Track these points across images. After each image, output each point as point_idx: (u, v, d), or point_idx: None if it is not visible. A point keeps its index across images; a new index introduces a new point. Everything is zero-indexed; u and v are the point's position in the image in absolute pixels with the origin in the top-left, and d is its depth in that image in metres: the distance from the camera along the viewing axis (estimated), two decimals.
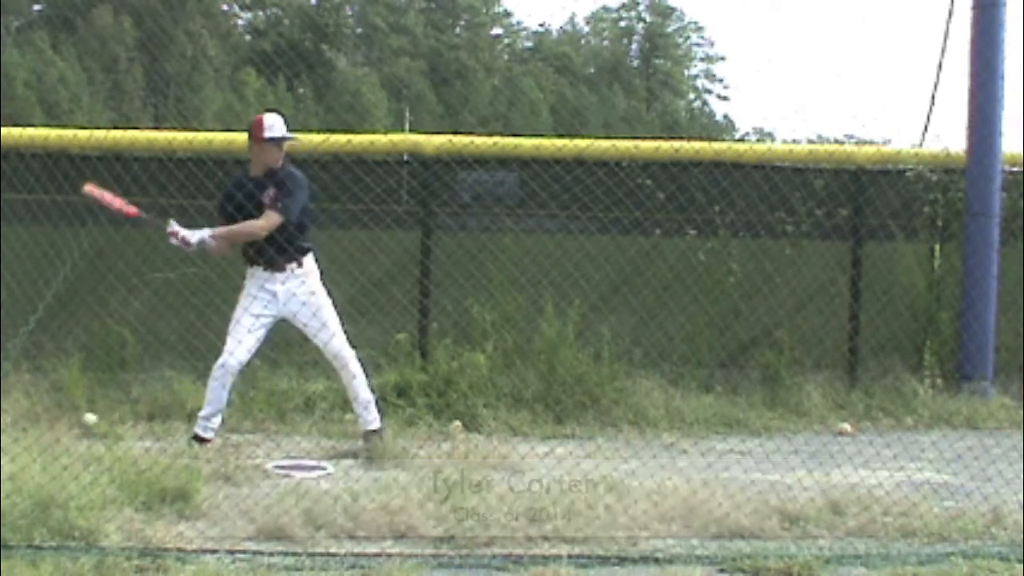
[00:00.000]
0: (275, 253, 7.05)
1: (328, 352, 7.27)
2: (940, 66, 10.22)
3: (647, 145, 9.44)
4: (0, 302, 8.49)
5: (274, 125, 7.19)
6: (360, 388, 7.29)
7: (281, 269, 7.12)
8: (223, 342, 7.16)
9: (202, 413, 7.11)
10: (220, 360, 7.08)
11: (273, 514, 5.46)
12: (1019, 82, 10.16)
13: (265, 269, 7.13)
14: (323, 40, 68.55)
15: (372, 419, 7.31)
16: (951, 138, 9.81)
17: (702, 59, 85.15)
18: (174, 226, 7.06)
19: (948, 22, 9.96)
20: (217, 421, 7.13)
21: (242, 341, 7.08)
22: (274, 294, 7.14)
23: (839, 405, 8.80)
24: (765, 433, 8.20)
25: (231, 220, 7.15)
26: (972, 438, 8.06)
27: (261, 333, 7.16)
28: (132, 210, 7.26)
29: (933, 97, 10.35)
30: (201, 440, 7.04)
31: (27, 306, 8.40)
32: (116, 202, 7.30)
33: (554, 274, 8.90)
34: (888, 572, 5.09)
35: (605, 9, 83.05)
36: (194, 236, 7.02)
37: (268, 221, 7.03)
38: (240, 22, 73.16)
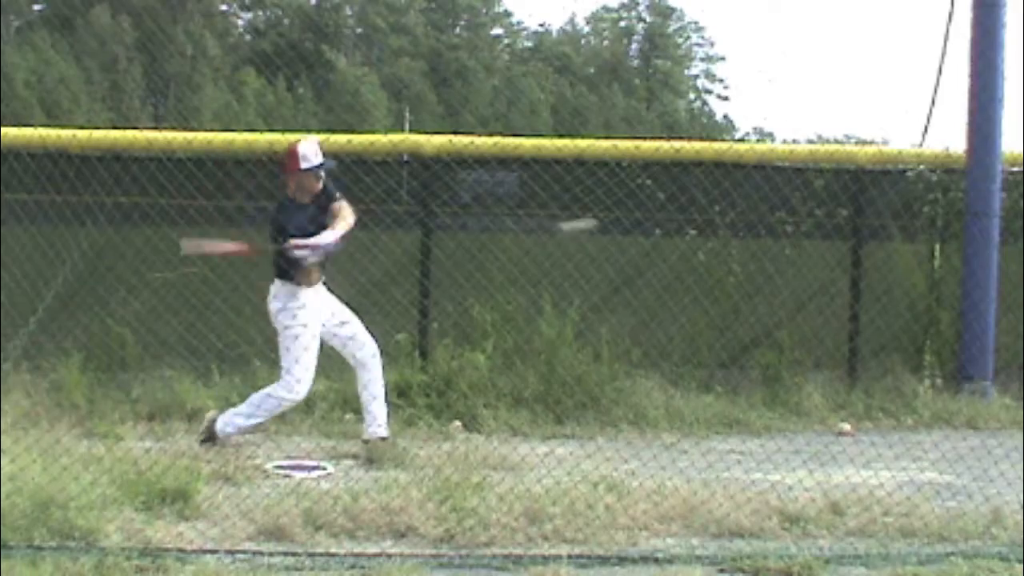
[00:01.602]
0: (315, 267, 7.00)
1: (361, 345, 7.21)
2: (940, 70, 10.22)
3: (648, 145, 9.44)
4: (0, 302, 8.49)
5: (308, 154, 7.03)
6: (376, 390, 7.24)
7: (318, 280, 7.09)
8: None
9: (237, 429, 7.06)
10: (290, 394, 6.99)
11: (273, 514, 5.46)
12: (1019, 82, 10.16)
13: (303, 285, 7.02)
14: (323, 40, 68.54)
15: (379, 428, 7.25)
16: (951, 138, 9.82)
17: (702, 59, 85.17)
18: (296, 242, 6.89)
19: (948, 24, 9.96)
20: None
21: (309, 367, 7.00)
22: (321, 304, 7.08)
23: (839, 405, 8.80)
24: (765, 433, 8.20)
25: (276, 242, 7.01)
26: (973, 438, 8.05)
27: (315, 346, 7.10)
28: (243, 248, 7.19)
29: (933, 100, 10.35)
30: (210, 441, 7.02)
31: (27, 306, 8.40)
32: (223, 247, 7.24)
33: (554, 274, 8.90)
34: (888, 572, 5.09)
35: (605, 9, 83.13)
36: (324, 239, 6.89)
37: (352, 215, 7.01)
38: (240, 22, 73.18)
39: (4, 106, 35.85)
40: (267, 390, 7.10)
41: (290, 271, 6.96)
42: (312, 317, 6.99)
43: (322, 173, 7.09)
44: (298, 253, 6.85)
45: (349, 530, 5.41)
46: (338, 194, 7.12)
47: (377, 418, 7.22)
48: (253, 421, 7.08)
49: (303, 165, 7.02)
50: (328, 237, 6.89)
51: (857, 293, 9.48)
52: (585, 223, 7.10)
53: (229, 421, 7.09)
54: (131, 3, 60.02)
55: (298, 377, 6.96)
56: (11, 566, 4.68)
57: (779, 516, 5.73)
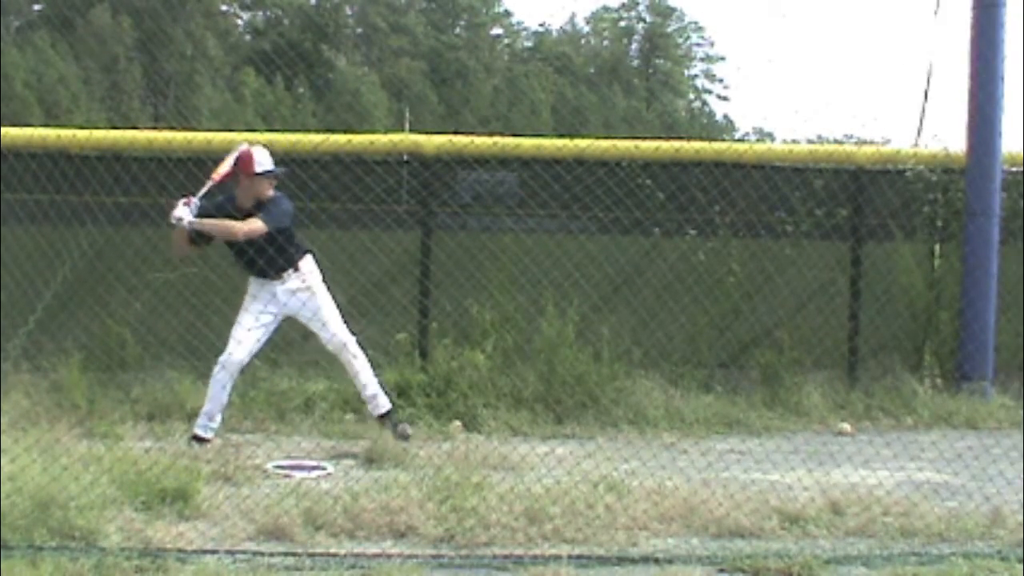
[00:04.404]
0: (266, 265, 7.11)
1: (327, 340, 7.35)
2: (928, 78, 10.25)
3: (647, 145, 9.44)
4: (0, 302, 8.49)
5: (262, 160, 7.22)
6: (363, 372, 7.42)
7: (278, 277, 7.22)
8: (223, 342, 7.19)
9: (203, 412, 7.15)
10: (220, 359, 7.15)
11: (273, 514, 5.46)
12: (1019, 82, 10.17)
13: (259, 276, 7.23)
14: (323, 40, 68.51)
15: (383, 403, 7.48)
16: (951, 138, 9.83)
17: (702, 59, 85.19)
18: (183, 202, 7.05)
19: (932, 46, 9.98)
20: (217, 420, 7.15)
21: (242, 341, 7.15)
22: (274, 294, 7.25)
23: (839, 405, 8.80)
24: (765, 433, 8.20)
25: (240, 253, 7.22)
26: (972, 438, 8.07)
27: (262, 333, 7.23)
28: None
29: (925, 100, 10.37)
30: (200, 440, 7.06)
31: (27, 306, 8.40)
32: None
33: (554, 274, 8.90)
34: (888, 572, 5.09)
35: (605, 9, 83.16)
36: (178, 212, 7.01)
37: (250, 226, 7.08)
38: (240, 22, 73.17)
39: (4, 106, 35.84)
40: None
41: (253, 268, 7.20)
42: (257, 307, 7.19)
43: (274, 179, 7.26)
44: (178, 207, 7.00)
45: (349, 530, 5.41)
46: (267, 213, 7.12)
47: (368, 402, 7.52)
48: (213, 406, 7.14)
49: (258, 169, 7.18)
50: (184, 215, 6.98)
51: (856, 293, 9.48)
52: None
53: (201, 421, 7.15)
54: (131, 3, 60.01)
55: (231, 347, 7.15)
56: (11, 566, 4.68)
57: (779, 516, 5.73)
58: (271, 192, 7.25)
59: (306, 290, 7.27)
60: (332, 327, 7.34)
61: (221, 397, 7.14)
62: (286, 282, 7.25)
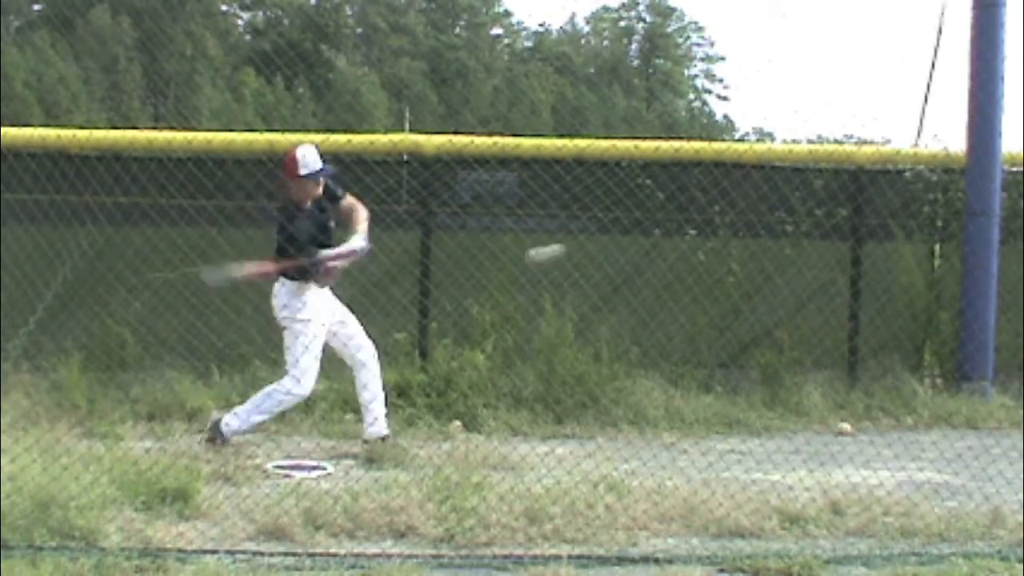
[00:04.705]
0: (318, 267, 6.98)
1: (360, 346, 7.22)
2: (931, 76, 10.26)
3: (647, 145, 9.44)
4: (0, 302, 8.49)
5: (307, 161, 6.97)
6: (380, 393, 7.25)
7: (326, 283, 7.09)
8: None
9: (244, 420, 7.03)
10: (291, 389, 6.99)
11: (273, 514, 5.46)
12: (1019, 82, 10.17)
13: (313, 282, 7.02)
14: (323, 40, 68.51)
15: (382, 426, 7.27)
16: (951, 138, 9.83)
17: (702, 59, 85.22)
18: (329, 253, 6.90)
19: (938, 37, 9.99)
20: (246, 430, 7.10)
21: (310, 369, 6.98)
22: (325, 302, 7.09)
23: (839, 405, 8.80)
24: (765, 433, 8.20)
25: (290, 255, 6.93)
26: (972, 438, 8.07)
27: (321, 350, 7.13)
28: (268, 270, 6.98)
29: (925, 100, 10.39)
30: (217, 436, 7.00)
31: (27, 306, 8.41)
32: (249, 272, 7.03)
33: (554, 274, 8.89)
34: (888, 572, 5.09)
35: (605, 9, 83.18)
36: (357, 245, 6.97)
37: (366, 210, 7.03)
38: (240, 22, 73.20)
39: (4, 106, 35.84)
40: (269, 388, 7.12)
41: (308, 275, 6.96)
42: (314, 315, 7.00)
43: (321, 178, 7.07)
44: (336, 264, 6.87)
45: (349, 530, 5.41)
46: (340, 191, 7.10)
47: (379, 418, 7.27)
48: (256, 419, 7.09)
49: (303, 172, 6.98)
50: (359, 242, 6.92)
51: (856, 293, 9.48)
52: (552, 249, 7.11)
53: (231, 421, 7.08)
54: (131, 3, 60.03)
55: (300, 374, 6.99)
56: (11, 566, 4.68)
57: (779, 516, 5.73)
58: (319, 191, 7.04)
59: (333, 297, 7.21)
60: (361, 336, 7.24)
61: (267, 418, 7.07)
62: (326, 289, 7.11)
